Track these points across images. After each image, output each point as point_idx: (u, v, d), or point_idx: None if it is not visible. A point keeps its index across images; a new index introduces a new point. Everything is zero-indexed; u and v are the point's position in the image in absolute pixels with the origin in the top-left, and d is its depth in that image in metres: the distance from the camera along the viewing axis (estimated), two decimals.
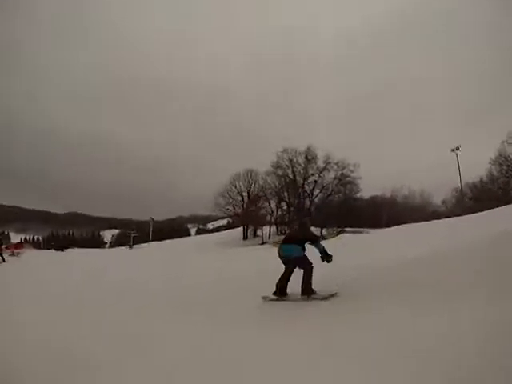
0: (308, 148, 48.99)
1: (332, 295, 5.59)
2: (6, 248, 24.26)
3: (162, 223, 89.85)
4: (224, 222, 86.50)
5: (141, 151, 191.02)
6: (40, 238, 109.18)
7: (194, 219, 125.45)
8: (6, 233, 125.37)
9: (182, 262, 16.19)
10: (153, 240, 55.25)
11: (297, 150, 49.46)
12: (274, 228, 52.03)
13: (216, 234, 68.96)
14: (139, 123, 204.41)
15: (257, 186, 52.63)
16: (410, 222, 23.03)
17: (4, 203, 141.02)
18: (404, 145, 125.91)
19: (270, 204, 52.01)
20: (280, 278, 5.99)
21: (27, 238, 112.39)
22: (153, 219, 53.05)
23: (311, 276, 5.81)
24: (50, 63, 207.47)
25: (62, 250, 33.75)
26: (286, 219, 49.90)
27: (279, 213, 51.85)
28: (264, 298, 5.98)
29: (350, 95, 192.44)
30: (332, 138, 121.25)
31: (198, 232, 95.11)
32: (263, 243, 40.80)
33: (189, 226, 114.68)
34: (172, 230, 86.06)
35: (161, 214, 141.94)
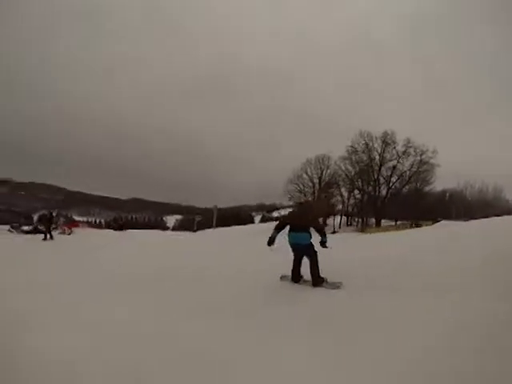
0: (385, 131, 48.76)
1: (338, 285, 6.07)
2: (62, 226, 27.01)
3: (226, 211, 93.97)
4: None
5: (207, 140, 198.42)
6: (102, 221, 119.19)
7: (259, 208, 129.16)
8: (69, 215, 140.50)
9: (247, 245, 15.73)
10: (217, 226, 58.58)
11: (373, 134, 49.46)
12: (344, 218, 53.12)
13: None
14: (205, 112, 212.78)
15: (329, 172, 52.94)
16: (479, 217, 23.35)
17: (68, 188, 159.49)
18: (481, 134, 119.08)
19: (341, 192, 52.60)
20: (293, 266, 6.61)
21: (89, 220, 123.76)
22: (216, 206, 56.32)
23: (317, 263, 6.28)
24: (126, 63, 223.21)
25: (121, 230, 34.70)
26: (359, 208, 50.81)
27: (351, 201, 52.49)
28: (282, 277, 6.79)
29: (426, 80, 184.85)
30: (408, 123, 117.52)
31: (263, 220, 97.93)
32: (334, 232, 41.61)
33: (253, 214, 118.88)
34: (236, 217, 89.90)
35: (225, 202, 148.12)
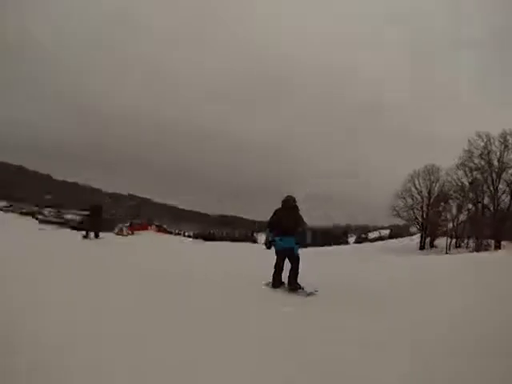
0: (504, 131, 42.88)
1: (314, 293, 6.41)
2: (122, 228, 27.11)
3: (317, 230, 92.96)
4: (386, 231, 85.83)
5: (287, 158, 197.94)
6: (191, 234, 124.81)
7: (351, 229, 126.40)
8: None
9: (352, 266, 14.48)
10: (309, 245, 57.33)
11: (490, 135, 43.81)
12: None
13: (381, 242, 68.24)
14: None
15: (438, 184, 49.01)
16: None
17: (159, 201, 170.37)
18: None
19: (450, 208, 48.43)
20: (275, 271, 6.85)
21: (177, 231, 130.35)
22: (307, 226, 55.22)
23: (298, 269, 6.62)
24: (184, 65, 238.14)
25: (205, 240, 34.80)
26: (472, 226, 45.02)
27: (461, 218, 47.57)
28: (266, 284, 6.98)
29: None
30: None
31: (358, 241, 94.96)
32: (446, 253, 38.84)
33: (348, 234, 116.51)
34: (329, 237, 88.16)
35: (316, 221, 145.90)
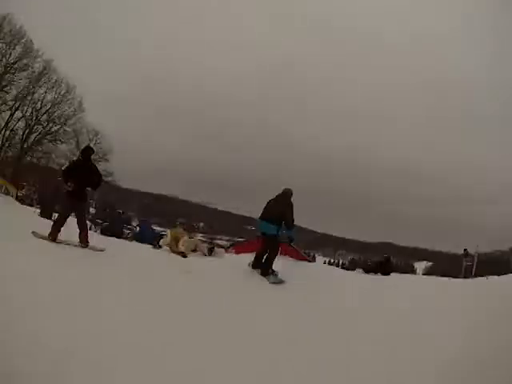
0: None
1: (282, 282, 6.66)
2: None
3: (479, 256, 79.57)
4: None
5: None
6: (346, 262, 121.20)
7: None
8: (313, 255, 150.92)
9: None
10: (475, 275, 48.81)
11: None
12: None
13: None
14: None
15: None
16: None
17: (317, 230, 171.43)
18: None
19: None
20: (256, 253, 7.29)
21: (331, 261, 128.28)
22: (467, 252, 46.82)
23: (274, 257, 6.94)
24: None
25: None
26: None
27: None
28: (248, 264, 7.49)
29: None
30: None
31: None
32: None
33: None
34: (492, 264, 74.24)
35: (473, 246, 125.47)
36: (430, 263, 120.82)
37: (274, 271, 6.78)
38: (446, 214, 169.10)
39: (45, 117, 31.71)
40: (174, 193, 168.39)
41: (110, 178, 29.37)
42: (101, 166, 26.38)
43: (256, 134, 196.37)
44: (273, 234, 6.89)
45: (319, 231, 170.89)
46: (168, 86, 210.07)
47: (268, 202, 7.26)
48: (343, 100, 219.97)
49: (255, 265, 7.11)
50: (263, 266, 6.82)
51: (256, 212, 8.34)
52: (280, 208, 6.92)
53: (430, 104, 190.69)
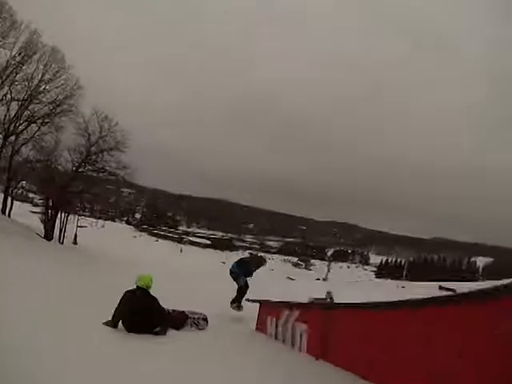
0: None
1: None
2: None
3: None
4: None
5: None
6: (403, 261, 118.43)
7: None
8: (365, 253, 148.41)
9: None
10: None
11: None
12: None
13: None
14: None
15: None
16: None
17: (367, 227, 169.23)
18: None
19: None
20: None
21: (388, 259, 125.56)
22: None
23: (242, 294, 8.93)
24: None
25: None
26: None
27: None
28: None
29: None
30: None
31: None
32: None
33: None
34: None
35: None
36: (491, 260, 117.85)
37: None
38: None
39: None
40: (224, 196, 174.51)
41: (125, 171, 25.95)
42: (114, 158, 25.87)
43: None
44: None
45: (369, 228, 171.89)
46: None
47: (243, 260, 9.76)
48: None
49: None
50: (234, 300, 8.88)
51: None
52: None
53: None
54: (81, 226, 34.34)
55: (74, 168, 25.28)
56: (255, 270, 9.28)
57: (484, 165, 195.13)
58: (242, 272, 8.89)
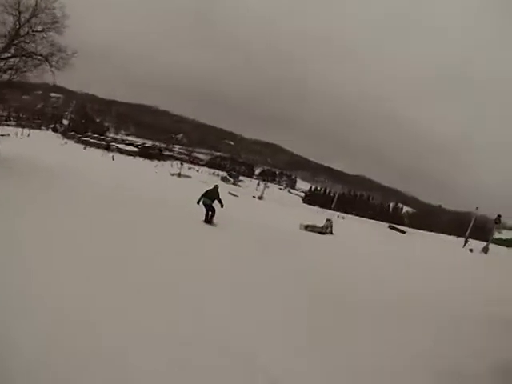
0: None
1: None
2: None
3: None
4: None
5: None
6: (331, 192, 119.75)
7: None
8: (292, 176, 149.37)
9: None
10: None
11: None
12: None
13: None
14: None
15: None
16: None
17: (295, 152, 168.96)
18: None
19: None
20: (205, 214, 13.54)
21: (317, 187, 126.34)
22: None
23: (214, 215, 13.41)
24: None
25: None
26: None
27: None
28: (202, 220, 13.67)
29: None
30: None
31: None
32: None
33: None
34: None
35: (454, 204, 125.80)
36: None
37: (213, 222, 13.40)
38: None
39: None
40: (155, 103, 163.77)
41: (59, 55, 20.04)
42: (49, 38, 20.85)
43: None
44: (211, 204, 13.32)
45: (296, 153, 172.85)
46: None
47: (206, 192, 13.66)
48: None
49: (206, 220, 13.40)
50: (210, 220, 13.35)
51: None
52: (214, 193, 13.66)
53: None
54: (1, 135, 29.92)
55: None
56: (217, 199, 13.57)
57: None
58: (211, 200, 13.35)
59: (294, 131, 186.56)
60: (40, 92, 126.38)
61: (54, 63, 21.05)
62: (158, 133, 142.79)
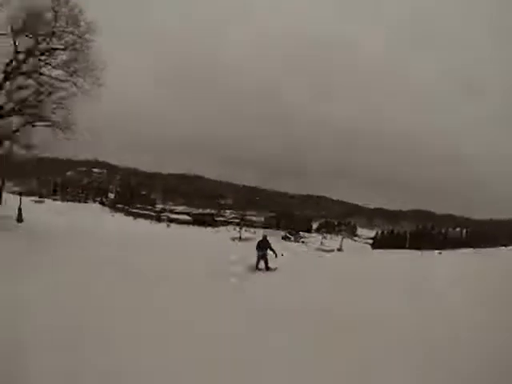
0: None
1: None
2: None
3: None
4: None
5: None
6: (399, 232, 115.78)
7: None
8: (352, 223, 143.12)
9: None
10: None
11: None
12: None
13: None
14: None
15: None
16: None
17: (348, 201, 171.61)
18: None
19: None
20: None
21: (383, 231, 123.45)
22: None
23: (267, 263, 14.09)
24: None
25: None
26: None
27: None
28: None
29: None
30: None
31: None
32: None
33: None
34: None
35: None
36: None
37: (269, 268, 14.10)
38: None
39: None
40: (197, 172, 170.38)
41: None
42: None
43: None
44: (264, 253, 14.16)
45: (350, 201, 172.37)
46: None
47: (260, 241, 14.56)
48: None
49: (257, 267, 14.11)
50: (266, 266, 14.16)
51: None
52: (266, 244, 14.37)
53: None
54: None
55: None
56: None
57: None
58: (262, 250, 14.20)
59: (340, 182, 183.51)
60: (84, 169, 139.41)
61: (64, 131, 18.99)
62: (204, 200, 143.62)
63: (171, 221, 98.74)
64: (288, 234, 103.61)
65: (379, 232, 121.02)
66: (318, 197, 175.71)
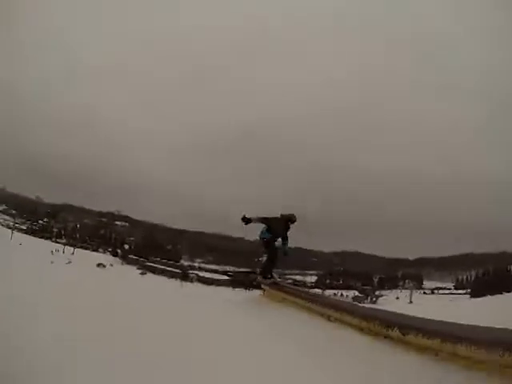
0: None
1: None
2: None
3: None
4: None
5: None
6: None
7: None
8: (418, 274, 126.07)
9: None
10: None
11: None
12: None
13: None
14: None
15: None
16: None
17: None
18: None
19: None
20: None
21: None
22: None
23: (273, 265, 8.88)
24: None
25: None
26: None
27: None
28: None
29: None
30: None
31: None
32: None
33: None
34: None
35: None
36: None
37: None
38: None
39: None
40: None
41: None
42: None
43: None
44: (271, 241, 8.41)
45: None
46: None
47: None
48: None
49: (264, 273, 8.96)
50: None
51: None
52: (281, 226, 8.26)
53: None
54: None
55: None
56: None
57: None
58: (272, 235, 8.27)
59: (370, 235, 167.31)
60: (105, 219, 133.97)
61: None
62: (237, 257, 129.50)
63: (201, 280, 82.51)
64: (359, 294, 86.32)
65: (468, 276, 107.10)
66: (349, 252, 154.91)
